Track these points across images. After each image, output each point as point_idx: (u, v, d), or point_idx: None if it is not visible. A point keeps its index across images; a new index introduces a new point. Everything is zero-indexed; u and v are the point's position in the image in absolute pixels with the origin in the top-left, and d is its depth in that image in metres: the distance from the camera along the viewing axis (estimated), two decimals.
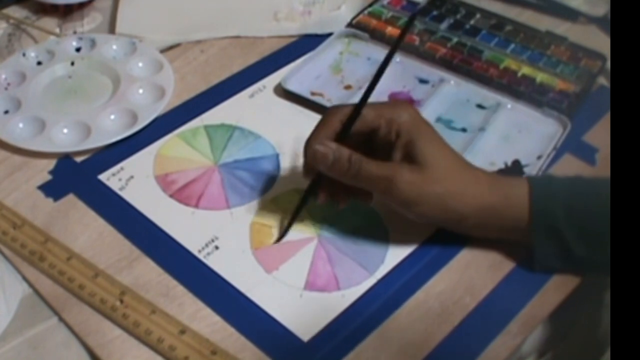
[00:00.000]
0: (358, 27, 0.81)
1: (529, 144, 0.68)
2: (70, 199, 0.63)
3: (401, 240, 0.59)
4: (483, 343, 0.53)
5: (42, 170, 0.65)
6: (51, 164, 0.66)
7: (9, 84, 0.73)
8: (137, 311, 0.54)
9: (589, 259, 0.55)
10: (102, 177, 0.65)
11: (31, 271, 0.57)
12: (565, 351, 0.63)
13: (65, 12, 0.83)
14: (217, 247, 0.59)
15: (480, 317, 0.55)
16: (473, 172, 0.57)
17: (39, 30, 0.81)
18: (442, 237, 0.59)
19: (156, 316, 0.54)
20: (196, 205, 0.62)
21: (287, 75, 0.74)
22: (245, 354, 0.52)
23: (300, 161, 0.64)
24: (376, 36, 0.80)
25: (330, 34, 0.80)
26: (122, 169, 0.65)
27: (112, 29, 0.81)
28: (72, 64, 0.75)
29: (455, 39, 0.79)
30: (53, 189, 0.64)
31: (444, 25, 0.82)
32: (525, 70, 0.76)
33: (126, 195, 0.63)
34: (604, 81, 0.76)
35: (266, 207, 0.62)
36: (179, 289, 0.56)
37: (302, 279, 0.57)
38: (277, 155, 0.67)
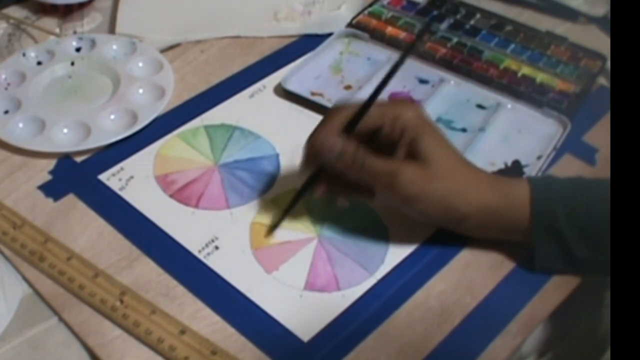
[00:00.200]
0: (358, 27, 0.81)
1: (529, 144, 0.68)
2: (70, 199, 0.63)
3: (401, 241, 0.59)
4: (483, 343, 0.53)
5: (42, 170, 0.65)
6: (51, 164, 0.66)
7: (9, 84, 0.73)
8: (137, 311, 0.54)
9: (590, 260, 0.55)
10: (102, 177, 0.65)
11: (31, 271, 0.57)
12: (565, 351, 0.63)
13: (65, 12, 0.83)
14: (217, 247, 0.59)
15: (481, 317, 0.55)
16: (475, 172, 0.57)
17: (39, 30, 0.81)
18: (442, 237, 0.59)
19: (156, 316, 0.54)
20: (196, 206, 0.62)
21: (287, 75, 0.74)
22: (245, 354, 0.52)
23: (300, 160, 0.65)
24: (376, 36, 0.80)
25: (330, 34, 0.80)
26: (122, 169, 0.65)
27: (112, 29, 0.81)
28: (72, 64, 0.75)
29: (455, 39, 0.79)
30: (53, 189, 0.64)
31: (444, 25, 0.82)
32: (525, 70, 0.76)
33: (126, 195, 0.63)
34: (604, 81, 0.76)
35: (266, 207, 0.62)
36: (179, 289, 0.56)
37: (302, 279, 0.57)
38: (277, 155, 0.67)
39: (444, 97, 0.73)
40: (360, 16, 0.83)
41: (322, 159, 0.56)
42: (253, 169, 0.65)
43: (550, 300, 0.56)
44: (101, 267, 0.57)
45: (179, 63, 0.77)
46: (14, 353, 0.53)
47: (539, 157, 0.66)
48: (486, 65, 0.76)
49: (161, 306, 0.55)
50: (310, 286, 0.56)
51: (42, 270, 0.57)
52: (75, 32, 0.81)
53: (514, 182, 0.57)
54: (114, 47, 0.77)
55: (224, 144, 0.68)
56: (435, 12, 0.84)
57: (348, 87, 0.74)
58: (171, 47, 0.79)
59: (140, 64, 0.75)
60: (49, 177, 0.65)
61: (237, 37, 0.80)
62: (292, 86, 0.73)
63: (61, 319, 0.55)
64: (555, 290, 0.57)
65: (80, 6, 0.84)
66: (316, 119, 0.66)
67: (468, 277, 0.57)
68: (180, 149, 0.67)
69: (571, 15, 0.85)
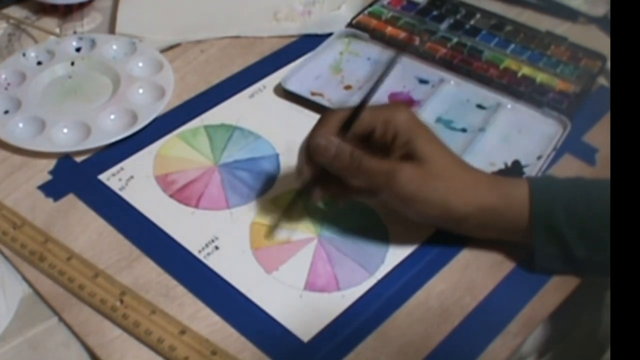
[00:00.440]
0: (358, 27, 0.81)
1: (529, 144, 0.68)
2: (70, 199, 0.63)
3: (401, 241, 0.59)
4: (483, 343, 0.53)
5: (42, 170, 0.65)
6: (51, 164, 0.66)
7: (9, 84, 0.73)
8: (137, 311, 0.54)
9: (590, 261, 0.55)
10: (102, 177, 0.65)
11: (31, 271, 0.57)
12: (565, 351, 0.63)
13: (65, 12, 0.83)
14: (217, 247, 0.59)
15: (480, 317, 0.55)
16: (473, 173, 0.57)
17: (39, 30, 0.81)
18: (442, 237, 0.59)
19: (156, 316, 0.54)
20: (196, 206, 0.62)
21: (287, 75, 0.74)
22: (245, 354, 0.52)
23: None
24: (376, 36, 0.80)
25: (330, 34, 0.80)
26: (122, 169, 0.65)
27: (112, 29, 0.81)
28: (72, 64, 0.75)
29: (455, 39, 0.79)
30: (53, 189, 0.64)
31: (444, 26, 0.82)
32: (525, 70, 0.76)
33: (126, 195, 0.63)
34: (604, 81, 0.76)
35: (266, 207, 0.62)
36: (179, 289, 0.56)
37: (302, 279, 0.57)
38: (277, 155, 0.67)
39: (444, 97, 0.73)
40: (360, 16, 0.83)
41: (319, 161, 0.56)
42: (253, 169, 0.65)
43: (550, 300, 0.56)
44: (101, 267, 0.57)
45: (179, 63, 0.77)
46: (14, 353, 0.53)
47: (539, 157, 0.66)
48: (486, 65, 0.76)
49: (161, 306, 0.55)
50: (310, 286, 0.56)
51: (42, 270, 0.57)
52: (75, 32, 0.81)
53: (513, 182, 0.57)
54: (114, 47, 0.77)
55: (224, 144, 0.68)
56: (435, 12, 0.84)
57: (348, 87, 0.74)
58: (171, 47, 0.79)
59: (140, 64, 0.75)
60: (49, 177, 0.65)
61: (237, 37, 0.80)
62: (292, 86, 0.73)
63: (61, 319, 0.55)
64: (555, 290, 0.57)
65: (80, 6, 0.84)
66: (316, 119, 0.66)
67: (468, 277, 0.57)
68: (180, 149, 0.67)
69: (571, 15, 0.85)
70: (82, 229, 0.60)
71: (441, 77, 0.75)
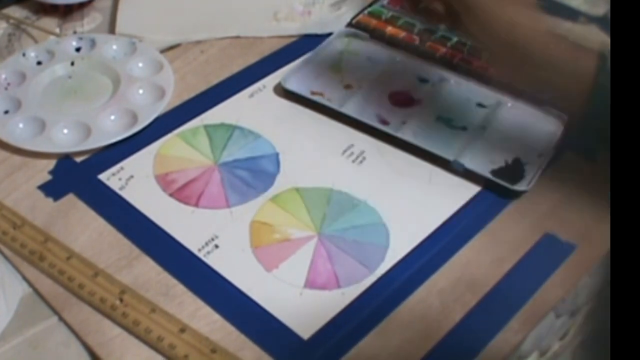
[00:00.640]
0: (358, 27, 0.81)
1: (529, 142, 0.68)
2: (70, 198, 0.63)
3: (401, 238, 0.59)
4: (484, 340, 0.53)
5: (42, 170, 0.65)
6: (51, 164, 0.66)
7: (9, 84, 0.73)
8: (136, 310, 0.54)
9: None
10: (102, 176, 0.65)
11: (31, 271, 0.57)
12: (566, 350, 0.63)
13: (65, 12, 0.83)
14: (217, 246, 0.59)
15: (481, 314, 0.54)
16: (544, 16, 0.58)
17: (39, 30, 0.81)
18: (442, 234, 0.59)
19: (156, 315, 0.54)
20: (196, 205, 0.62)
21: (287, 74, 0.74)
22: (245, 352, 0.52)
23: (300, 160, 0.66)
24: (376, 36, 0.80)
25: (330, 34, 0.80)
26: (122, 168, 0.65)
27: (112, 29, 0.81)
28: (72, 64, 0.75)
29: (455, 39, 0.79)
30: (53, 189, 0.64)
31: (444, 25, 0.82)
32: None
33: (126, 194, 0.63)
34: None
35: (266, 206, 0.62)
36: (179, 288, 0.56)
37: (302, 277, 0.57)
38: (276, 155, 0.67)
39: (444, 96, 0.73)
40: (360, 16, 0.83)
41: None
42: (253, 168, 0.65)
43: (551, 297, 0.56)
44: (101, 267, 0.57)
45: (179, 63, 0.77)
46: (14, 352, 0.52)
47: (539, 155, 0.66)
48: (486, 64, 0.76)
49: (161, 305, 0.55)
50: (310, 284, 0.56)
51: (42, 270, 0.57)
52: (75, 32, 0.81)
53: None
54: (114, 47, 0.77)
55: (224, 143, 0.68)
56: None
57: (348, 87, 0.74)
58: (171, 47, 0.79)
59: (140, 64, 0.75)
60: (49, 177, 0.65)
61: (237, 37, 0.80)
62: (292, 86, 0.73)
63: (61, 319, 0.54)
64: (557, 287, 0.56)
65: (80, 6, 0.84)
66: (316, 118, 0.67)
67: (469, 274, 0.57)
68: (180, 149, 0.67)
69: (571, 14, 0.85)
70: (82, 229, 0.60)
71: (441, 76, 0.75)
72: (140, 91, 0.72)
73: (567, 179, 0.64)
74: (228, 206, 0.62)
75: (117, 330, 0.53)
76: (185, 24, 0.82)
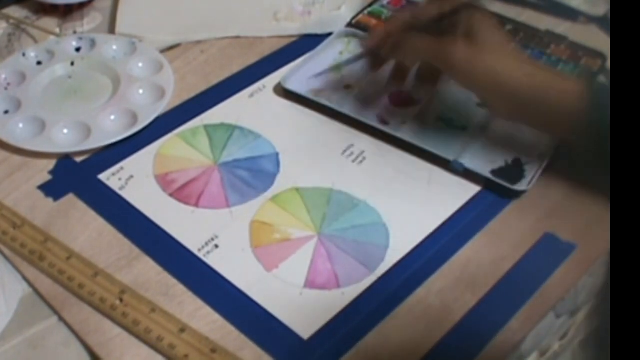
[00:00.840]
0: (358, 27, 0.81)
1: (529, 142, 0.68)
2: (70, 198, 0.63)
3: (401, 238, 0.59)
4: (484, 340, 0.53)
5: (42, 170, 0.65)
6: (51, 164, 0.66)
7: (9, 84, 0.73)
8: (136, 310, 0.54)
9: None
10: (102, 176, 0.65)
11: (31, 271, 0.57)
12: (566, 350, 0.63)
13: (65, 12, 0.84)
14: (217, 246, 0.59)
15: (481, 314, 0.54)
16: (527, 56, 0.58)
17: (39, 30, 0.81)
18: (443, 234, 0.59)
19: (156, 315, 0.54)
20: (196, 204, 0.62)
21: (287, 74, 0.74)
22: (245, 352, 0.52)
23: (300, 160, 0.65)
24: None
25: (330, 34, 0.80)
26: (122, 168, 0.65)
27: (112, 29, 0.81)
28: (72, 64, 0.75)
29: None
30: (53, 189, 0.64)
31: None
32: None
33: (126, 194, 0.63)
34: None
35: (266, 205, 0.62)
36: (179, 288, 0.56)
37: (302, 277, 0.57)
38: (276, 155, 0.67)
39: (444, 96, 0.73)
40: (360, 16, 0.83)
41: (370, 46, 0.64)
42: (253, 168, 0.65)
43: (551, 296, 0.56)
44: (101, 266, 0.57)
45: (179, 63, 0.77)
46: (14, 353, 0.52)
47: (539, 155, 0.66)
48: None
49: (161, 305, 0.55)
50: (310, 284, 0.56)
51: (42, 270, 0.57)
52: (75, 32, 0.81)
53: (567, 74, 0.58)
54: (114, 47, 0.77)
55: (224, 143, 0.68)
56: None
57: (348, 87, 0.74)
58: (171, 47, 0.79)
59: (140, 64, 0.75)
60: (49, 177, 0.65)
61: (237, 37, 0.80)
62: (292, 86, 0.73)
63: (61, 318, 0.54)
64: (557, 286, 0.56)
65: (80, 6, 0.84)
66: (316, 118, 0.67)
67: (469, 274, 0.57)
68: (180, 149, 0.67)
69: (571, 14, 0.85)
70: (82, 229, 0.60)
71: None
72: (140, 91, 0.72)
73: (567, 179, 0.64)
74: (228, 206, 0.62)
75: (117, 330, 0.53)
76: (185, 24, 0.82)
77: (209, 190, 0.63)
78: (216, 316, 0.54)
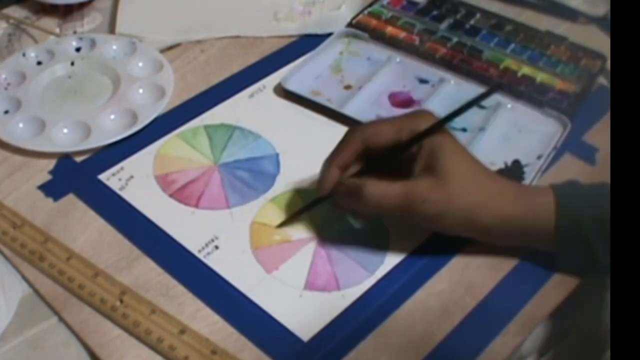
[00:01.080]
0: (358, 27, 0.81)
1: (529, 144, 0.68)
2: (70, 198, 0.63)
3: (401, 240, 0.59)
4: (483, 343, 0.53)
5: (42, 170, 0.65)
6: (51, 164, 0.66)
7: (9, 84, 0.73)
8: (137, 311, 0.54)
9: None
10: (102, 177, 0.65)
11: (31, 271, 0.57)
12: (565, 351, 0.63)
13: (65, 12, 0.83)
14: (217, 247, 0.59)
15: (481, 317, 0.55)
16: (497, 183, 0.56)
17: (39, 30, 0.81)
18: (442, 237, 0.59)
19: (156, 316, 0.54)
20: (196, 205, 0.62)
21: (287, 75, 0.74)
22: (245, 353, 0.52)
23: (300, 161, 0.65)
24: (376, 36, 0.80)
25: (330, 34, 0.80)
26: (122, 168, 0.65)
27: (112, 29, 0.81)
28: (72, 64, 0.75)
29: (455, 39, 0.79)
30: (53, 189, 0.64)
31: (444, 25, 0.82)
32: (525, 70, 0.76)
33: (126, 195, 0.63)
34: (604, 81, 0.76)
35: (266, 206, 0.62)
36: (179, 289, 0.56)
37: (302, 278, 0.57)
38: (277, 155, 0.67)
39: (444, 96, 0.73)
40: (360, 16, 0.83)
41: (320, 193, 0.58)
42: (253, 169, 0.65)
43: (550, 299, 0.56)
44: (101, 267, 0.57)
45: (179, 63, 0.76)
46: (14, 353, 0.53)
47: (539, 157, 0.66)
48: (486, 65, 0.76)
49: (161, 306, 0.55)
50: (310, 286, 0.56)
51: (42, 270, 0.57)
52: (75, 32, 0.81)
53: (537, 190, 0.57)
54: (114, 47, 0.77)
55: (224, 143, 0.68)
56: (435, 12, 0.84)
57: (348, 87, 0.74)
58: (171, 47, 0.79)
59: (140, 64, 0.75)
60: (49, 177, 0.65)
61: (237, 37, 0.80)
62: (292, 86, 0.73)
63: (61, 319, 0.54)
64: (555, 289, 0.56)
65: (80, 6, 0.84)
66: (316, 118, 0.67)
67: (468, 276, 0.57)
68: (180, 149, 0.67)
69: (571, 15, 0.85)
70: (82, 229, 0.60)
71: (441, 76, 0.75)
72: (140, 91, 0.72)
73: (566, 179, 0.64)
74: (228, 207, 0.62)
75: (117, 331, 0.53)
76: (185, 24, 0.82)
77: (209, 191, 0.63)
78: (216, 317, 0.54)
